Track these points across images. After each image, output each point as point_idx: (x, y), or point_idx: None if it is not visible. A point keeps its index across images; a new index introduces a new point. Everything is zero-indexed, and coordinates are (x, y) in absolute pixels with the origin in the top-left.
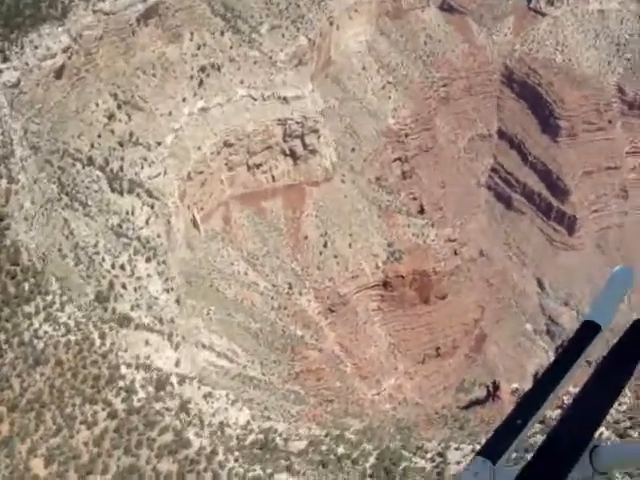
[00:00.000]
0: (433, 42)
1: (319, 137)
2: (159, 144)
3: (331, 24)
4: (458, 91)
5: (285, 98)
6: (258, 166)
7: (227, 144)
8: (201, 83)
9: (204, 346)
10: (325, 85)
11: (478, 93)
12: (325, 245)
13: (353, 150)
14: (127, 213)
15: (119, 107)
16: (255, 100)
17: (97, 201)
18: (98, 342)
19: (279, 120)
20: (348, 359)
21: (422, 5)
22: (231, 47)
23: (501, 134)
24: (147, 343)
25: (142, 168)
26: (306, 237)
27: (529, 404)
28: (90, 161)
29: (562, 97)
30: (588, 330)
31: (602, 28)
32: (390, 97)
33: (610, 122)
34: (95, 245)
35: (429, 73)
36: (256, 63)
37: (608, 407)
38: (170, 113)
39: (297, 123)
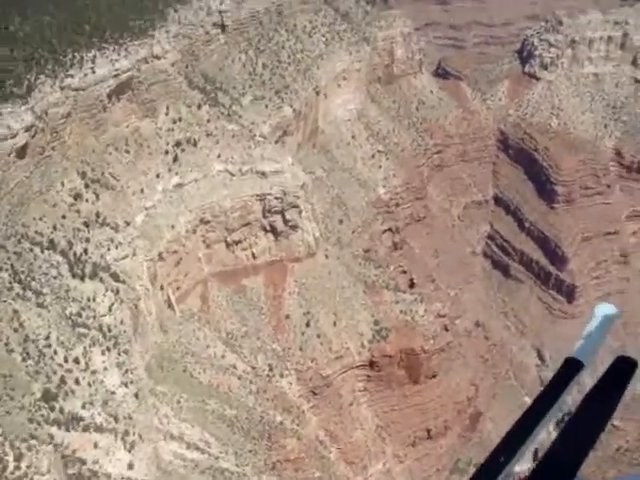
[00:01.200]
0: (426, 108)
1: (300, 212)
2: (128, 224)
3: (317, 93)
4: (452, 157)
5: (264, 173)
6: (237, 243)
7: (203, 221)
8: (176, 158)
9: (173, 437)
10: (312, 155)
11: (473, 159)
12: (308, 324)
13: (341, 222)
14: (88, 300)
15: (87, 186)
16: (233, 175)
17: (55, 288)
18: (12, 465)
19: (258, 195)
20: (332, 444)
21: (414, 71)
22: (208, 120)
23: (497, 200)
24: (96, 446)
25: (108, 250)
26: (288, 316)
27: (512, 441)
28: (51, 245)
29: (558, 162)
30: (570, 367)
31: (597, 91)
32: (380, 166)
33: (608, 186)
34: (47, 337)
35: (422, 140)
36: (234, 137)
37: (592, 443)
38: (142, 191)
39: (277, 198)
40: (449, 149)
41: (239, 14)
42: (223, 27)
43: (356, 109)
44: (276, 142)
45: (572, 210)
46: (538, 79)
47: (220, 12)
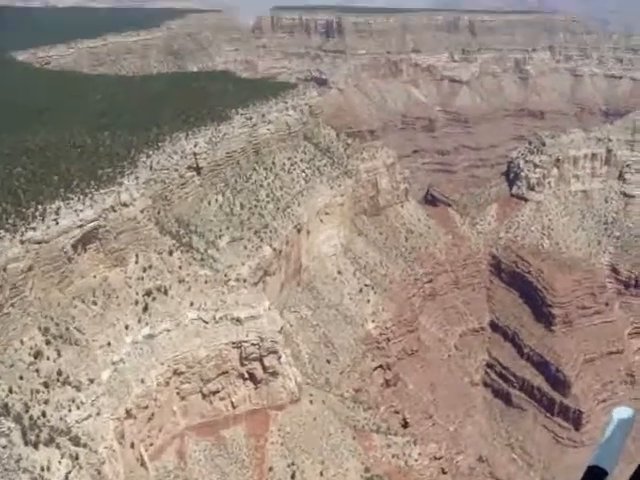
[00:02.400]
0: (414, 237)
1: (279, 358)
2: (92, 381)
3: (299, 231)
4: (444, 286)
5: (239, 319)
6: (214, 393)
7: (177, 373)
8: (146, 308)
9: None
10: (297, 294)
11: (466, 285)
12: (293, 476)
13: (329, 362)
14: (42, 469)
15: (48, 342)
16: (206, 323)
17: (3, 459)
18: None
19: (233, 343)
20: None
21: (400, 200)
22: (180, 267)
23: (494, 326)
24: None
25: (69, 411)
26: (271, 468)
27: None
28: (5, 410)
29: (552, 283)
30: (594, 476)
31: (587, 208)
32: (369, 300)
33: (607, 304)
34: None
35: (411, 270)
36: (207, 282)
37: None
38: (109, 344)
39: (253, 345)
40: (440, 277)
41: (214, 155)
42: (198, 169)
43: (341, 243)
44: (257, 283)
45: (571, 331)
46: (526, 200)
47: (195, 154)
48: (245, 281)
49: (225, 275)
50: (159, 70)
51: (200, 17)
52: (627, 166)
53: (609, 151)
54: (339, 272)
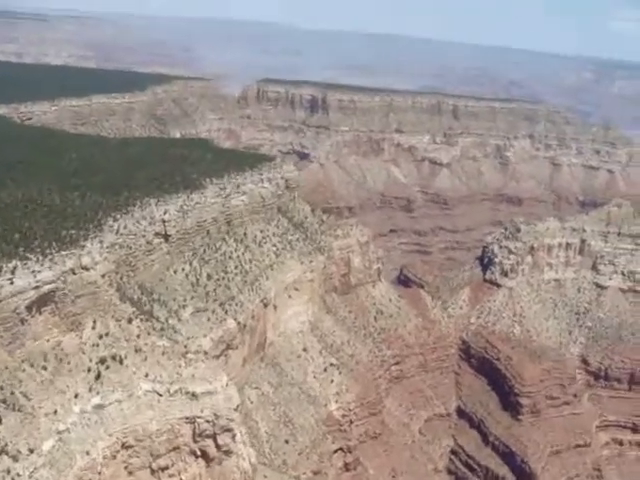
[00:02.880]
0: (384, 318)
1: (234, 436)
2: (32, 451)
3: (265, 305)
4: (412, 368)
5: (194, 394)
6: (164, 469)
7: (125, 446)
8: (99, 376)
9: None
10: (259, 370)
11: (434, 369)
12: None
13: (287, 442)
14: None
15: None
16: (160, 396)
17: None
18: None
19: (187, 418)
20: None
21: (372, 280)
22: (138, 336)
23: (460, 413)
24: None
25: None
26: None
27: None
28: None
29: (521, 372)
30: None
31: (560, 297)
32: (333, 380)
33: (575, 396)
34: None
35: (379, 351)
36: (164, 354)
37: None
38: (55, 412)
39: (208, 422)
40: (408, 359)
41: (184, 223)
42: (166, 236)
43: (309, 320)
44: (218, 357)
45: (538, 422)
46: (499, 286)
47: (164, 221)
48: (207, 353)
49: (185, 347)
50: (141, 134)
51: (186, 84)
52: (601, 257)
53: (583, 241)
54: (305, 349)
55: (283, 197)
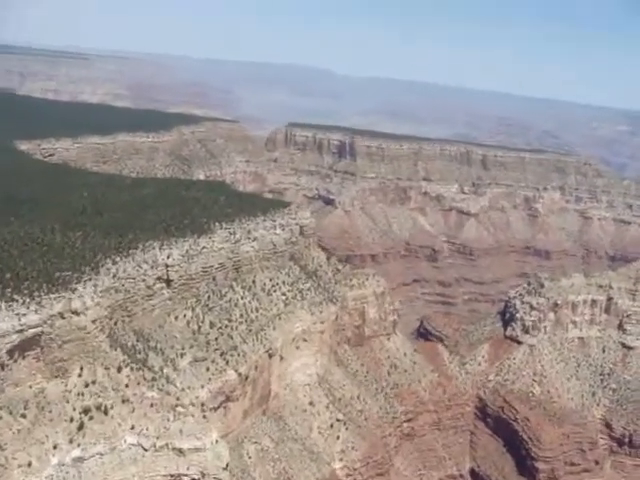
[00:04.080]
0: (398, 372)
1: None
2: None
3: (270, 356)
4: (425, 426)
5: (181, 450)
6: None
7: None
8: (81, 427)
9: None
10: (261, 424)
11: (448, 428)
12: None
13: None
14: None
15: None
16: (145, 450)
17: None
18: None
19: (172, 476)
20: None
21: (387, 332)
22: (127, 385)
23: (474, 475)
24: None
25: None
26: None
27: None
28: None
29: (539, 435)
30: None
31: (583, 357)
32: (339, 437)
33: (597, 463)
34: None
35: (390, 407)
36: (153, 406)
37: None
38: (30, 464)
39: None
40: (421, 417)
41: (189, 268)
42: (168, 281)
43: (317, 373)
44: (216, 409)
45: None
46: (520, 343)
47: (166, 266)
48: (203, 405)
49: (177, 399)
50: (164, 173)
51: (214, 125)
52: (627, 316)
53: (610, 299)
54: (311, 403)
55: (297, 244)
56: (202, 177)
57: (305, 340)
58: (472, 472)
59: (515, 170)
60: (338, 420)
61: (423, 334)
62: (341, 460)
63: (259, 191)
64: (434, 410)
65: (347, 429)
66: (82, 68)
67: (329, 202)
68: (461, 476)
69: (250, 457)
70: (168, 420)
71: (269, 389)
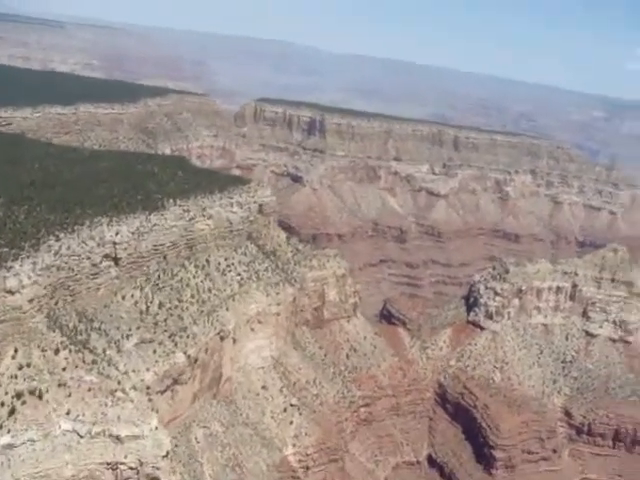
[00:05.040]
0: (357, 356)
1: None
2: None
3: (222, 338)
4: (383, 411)
5: (119, 437)
6: None
7: None
8: (13, 412)
9: None
10: (210, 407)
11: (407, 413)
12: None
13: None
14: None
15: None
16: (81, 437)
17: None
18: None
19: (108, 464)
20: None
21: (348, 315)
22: (64, 369)
23: (431, 461)
24: None
25: None
26: None
27: None
28: None
29: (498, 422)
30: None
31: (546, 344)
32: (292, 422)
33: (555, 451)
34: None
35: (348, 392)
36: (91, 390)
37: None
38: None
39: (131, 469)
40: (379, 401)
41: (139, 246)
42: (116, 260)
43: (272, 356)
44: (163, 392)
45: (512, 477)
46: (482, 329)
47: (114, 243)
48: (149, 388)
49: (119, 383)
50: (127, 146)
51: (182, 98)
52: (592, 304)
53: (574, 286)
54: (264, 387)
55: (255, 223)
56: (168, 151)
57: (260, 322)
58: (429, 458)
59: (487, 152)
60: (292, 405)
61: (386, 316)
62: (294, 446)
63: (227, 167)
64: (393, 395)
65: (301, 414)
66: (56, 35)
67: (297, 179)
68: (418, 462)
69: (198, 442)
70: (106, 405)
71: (220, 372)
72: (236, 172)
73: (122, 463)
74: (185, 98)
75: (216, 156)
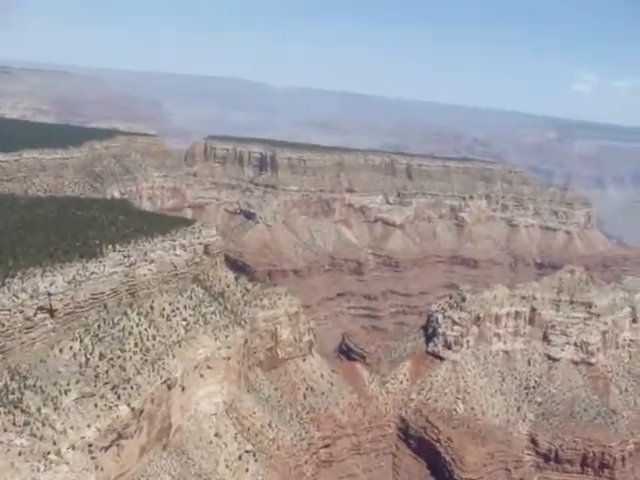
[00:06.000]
0: (315, 395)
1: None
2: None
3: (169, 387)
4: (344, 451)
5: None
6: None
7: None
8: None
9: None
10: (160, 460)
11: (369, 451)
12: None
13: None
14: None
15: None
16: None
17: None
18: None
19: None
20: None
21: (303, 353)
22: None
23: None
24: None
25: None
26: None
27: None
28: None
29: (462, 455)
30: None
31: (508, 371)
32: (248, 469)
33: None
34: None
35: (306, 433)
36: (21, 455)
37: None
38: None
39: None
40: (340, 441)
41: (76, 296)
42: (52, 311)
43: (224, 401)
44: (107, 448)
45: None
46: (442, 359)
47: (49, 294)
48: (91, 445)
49: (54, 443)
50: (73, 191)
51: (129, 139)
52: (552, 327)
53: (533, 310)
54: (217, 435)
55: (201, 265)
56: (117, 194)
57: (210, 367)
58: None
59: (441, 179)
60: (247, 451)
61: (345, 351)
62: None
63: (179, 206)
64: (353, 433)
65: (257, 460)
66: (4, 81)
67: (250, 216)
68: None
69: None
70: (38, 470)
71: (169, 422)
72: (188, 212)
73: None
74: (133, 139)
75: (167, 196)
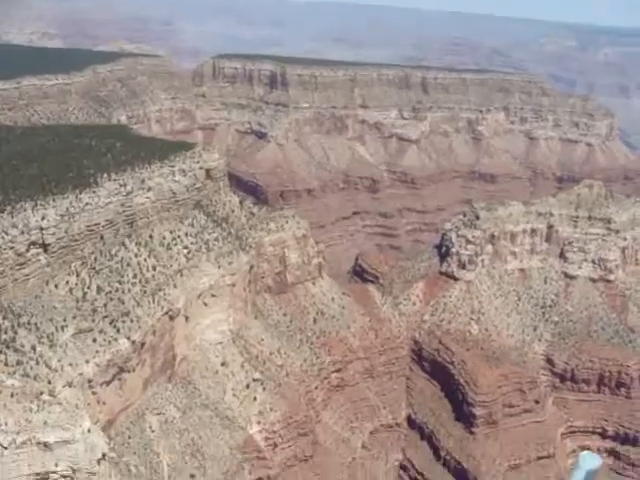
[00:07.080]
0: (325, 319)
1: None
2: None
3: (172, 318)
4: (356, 375)
5: (47, 444)
6: None
7: None
8: None
9: None
10: (165, 392)
11: (382, 374)
12: None
13: (193, 477)
14: None
15: None
16: (5, 448)
17: None
18: None
19: (38, 474)
20: None
21: (312, 277)
22: None
23: (411, 422)
24: None
25: None
26: None
27: None
28: None
29: (475, 378)
30: None
31: (524, 289)
32: (256, 398)
33: (537, 402)
34: None
35: (317, 358)
36: (14, 395)
37: None
38: None
39: (64, 477)
40: (351, 365)
41: (70, 229)
42: (45, 246)
43: (230, 330)
44: (109, 382)
45: (495, 434)
46: (456, 279)
47: (41, 229)
48: (91, 381)
49: (49, 382)
50: (77, 117)
51: (135, 61)
52: (569, 244)
53: (550, 227)
54: (223, 364)
55: (203, 190)
56: (124, 119)
57: (214, 295)
58: (409, 419)
59: (457, 92)
60: (255, 379)
61: (358, 273)
62: (258, 423)
63: (189, 129)
64: (365, 357)
65: (265, 388)
66: (12, 7)
67: (262, 136)
68: (397, 424)
69: (153, 430)
70: (31, 411)
71: (173, 353)
72: (198, 133)
73: (53, 472)
74: (139, 61)
75: (176, 119)
